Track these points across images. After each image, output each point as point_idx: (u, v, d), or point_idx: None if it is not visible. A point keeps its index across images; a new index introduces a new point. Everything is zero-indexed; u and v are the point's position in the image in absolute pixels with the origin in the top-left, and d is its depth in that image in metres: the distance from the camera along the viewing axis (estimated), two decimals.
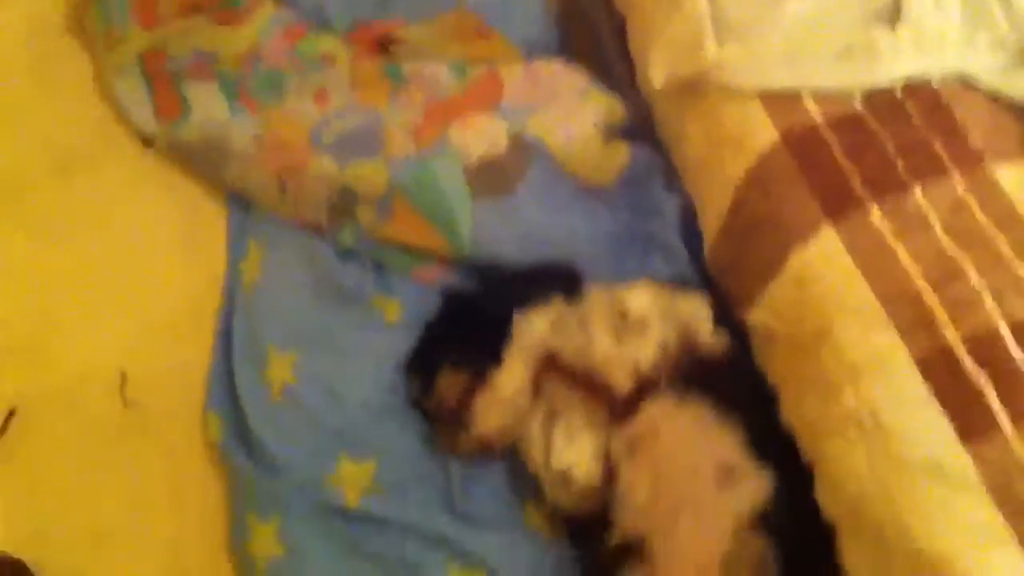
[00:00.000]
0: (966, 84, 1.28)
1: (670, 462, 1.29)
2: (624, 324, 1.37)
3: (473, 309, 1.49)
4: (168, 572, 1.50)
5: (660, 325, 1.36)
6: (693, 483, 1.27)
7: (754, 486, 1.27)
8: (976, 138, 1.23)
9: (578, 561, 1.41)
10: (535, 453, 1.36)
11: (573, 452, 1.32)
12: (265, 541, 1.43)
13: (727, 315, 1.38)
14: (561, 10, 1.78)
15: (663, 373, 1.33)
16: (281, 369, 1.52)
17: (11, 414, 1.58)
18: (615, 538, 1.29)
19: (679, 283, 1.45)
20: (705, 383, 1.33)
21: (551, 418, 1.36)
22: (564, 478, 1.32)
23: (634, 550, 1.27)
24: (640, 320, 1.36)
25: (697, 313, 1.38)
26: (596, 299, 1.43)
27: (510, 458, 1.45)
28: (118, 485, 1.56)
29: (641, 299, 1.39)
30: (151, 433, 1.58)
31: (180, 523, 1.53)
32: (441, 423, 1.45)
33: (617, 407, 1.34)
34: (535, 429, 1.36)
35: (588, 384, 1.37)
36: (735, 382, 1.35)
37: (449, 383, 1.43)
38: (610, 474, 1.31)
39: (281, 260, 1.63)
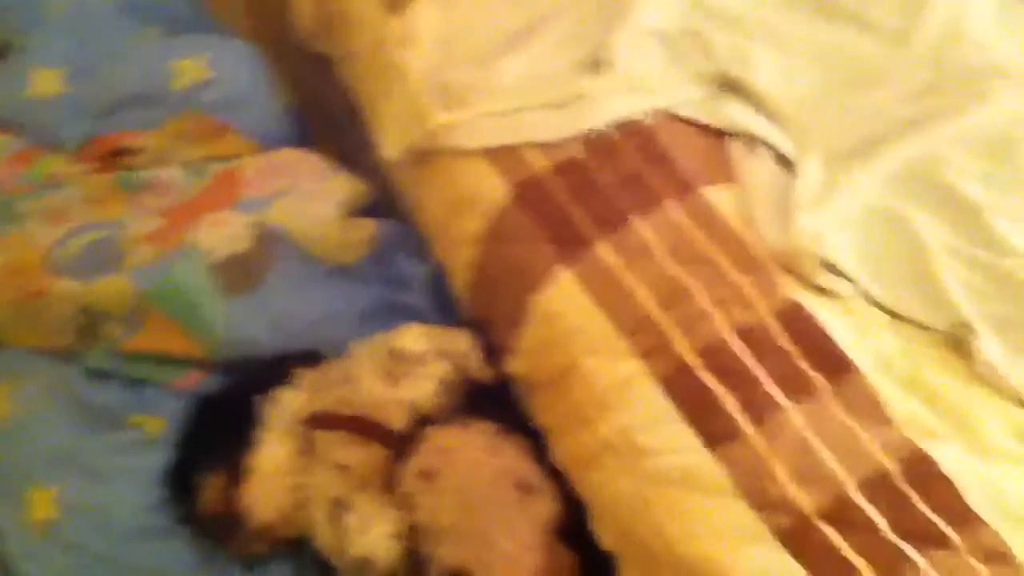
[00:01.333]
0: (673, 116, 1.35)
1: (470, 482, 1.28)
2: (399, 363, 1.37)
3: (219, 408, 1.45)
4: None
5: (436, 361, 1.37)
6: (498, 500, 1.27)
7: (551, 498, 1.29)
8: (685, 165, 1.31)
9: None
10: (327, 541, 1.31)
11: (370, 539, 1.28)
12: None
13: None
14: (298, 101, 1.79)
15: (444, 405, 1.34)
16: (42, 506, 1.43)
17: None
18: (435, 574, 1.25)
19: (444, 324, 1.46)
20: (484, 410, 1.35)
21: (339, 506, 1.31)
22: (365, 564, 1.28)
23: None
24: (417, 357, 1.38)
25: (467, 346, 1.41)
26: (360, 351, 1.44)
27: (293, 549, 1.41)
28: None
29: (415, 337, 1.41)
30: None
31: None
32: (217, 530, 1.38)
33: (396, 443, 1.32)
34: (321, 518, 1.32)
35: (360, 427, 1.35)
36: (512, 406, 1.36)
37: (210, 488, 1.38)
38: (412, 540, 1.28)
39: (32, 392, 1.55)
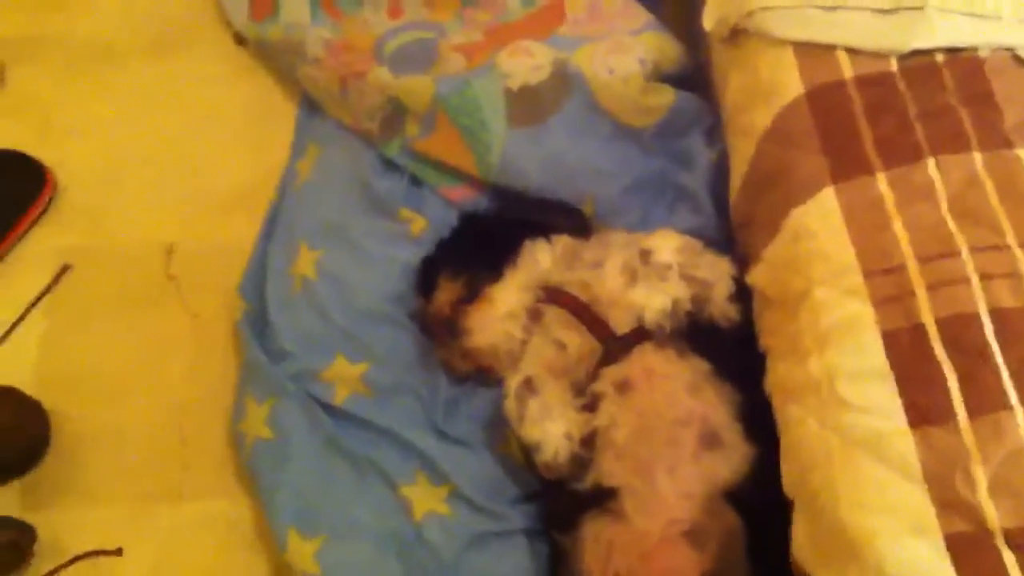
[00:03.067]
0: (1015, 59, 1.15)
1: (658, 410, 1.22)
2: (644, 267, 1.29)
3: (486, 230, 1.45)
4: (170, 434, 1.53)
5: (678, 280, 1.28)
6: (676, 441, 1.21)
7: (736, 459, 1.20)
8: (1011, 118, 1.11)
9: (544, 495, 1.36)
10: (510, 411, 1.30)
11: (543, 431, 1.25)
12: (256, 422, 1.45)
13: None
14: None
15: (665, 327, 1.26)
16: (306, 264, 1.53)
17: (63, 269, 1.63)
18: (589, 480, 1.23)
19: (708, 241, 1.36)
20: (707, 347, 1.26)
21: (527, 387, 1.29)
22: (535, 449, 1.27)
23: (604, 497, 1.22)
24: (661, 267, 1.29)
25: (718, 277, 1.30)
26: (617, 240, 1.38)
27: (495, 387, 1.41)
28: (146, 348, 1.62)
29: (668, 246, 1.31)
30: (185, 304, 1.62)
31: (193, 391, 1.57)
32: (435, 332, 1.41)
33: (612, 345, 1.28)
34: (512, 389, 1.30)
35: (588, 318, 1.31)
36: (737, 354, 1.26)
37: (445, 292, 1.40)
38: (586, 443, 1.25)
39: (330, 162, 1.64)
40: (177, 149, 1.76)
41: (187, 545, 1.48)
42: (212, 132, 1.77)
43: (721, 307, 1.28)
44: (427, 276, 1.44)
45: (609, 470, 1.21)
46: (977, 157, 1.09)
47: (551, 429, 1.24)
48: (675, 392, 1.23)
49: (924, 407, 0.97)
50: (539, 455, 1.25)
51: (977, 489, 0.92)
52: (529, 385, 1.28)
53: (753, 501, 1.18)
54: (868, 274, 1.05)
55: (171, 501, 1.50)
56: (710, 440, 1.21)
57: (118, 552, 1.43)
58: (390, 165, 1.59)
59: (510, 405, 1.28)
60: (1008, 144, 1.10)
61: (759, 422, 1.19)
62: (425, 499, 1.39)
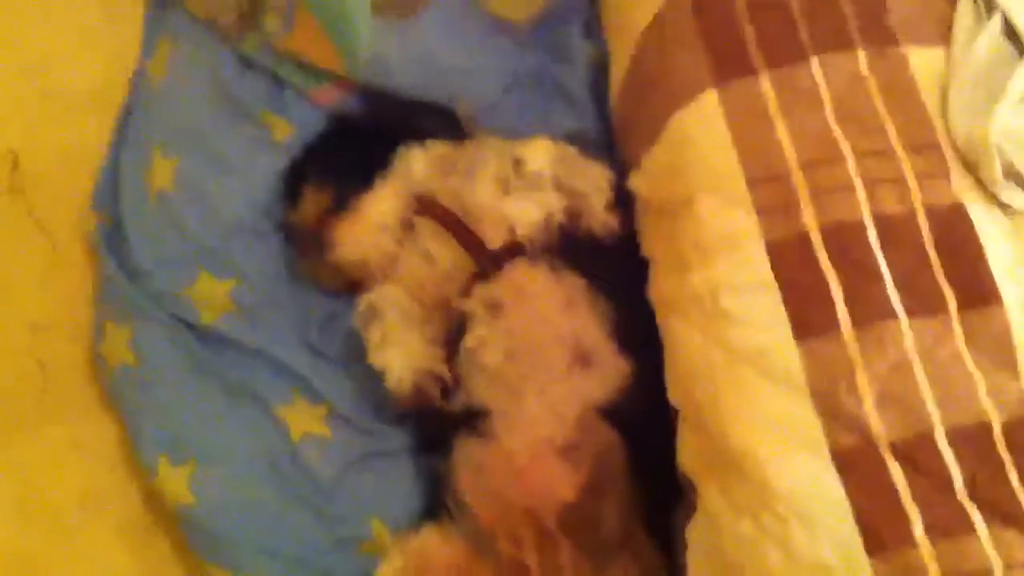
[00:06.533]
0: None
1: (528, 333, 1.16)
2: (516, 176, 1.21)
3: (357, 135, 1.34)
4: (25, 357, 1.40)
5: (552, 191, 1.21)
6: (547, 361, 1.15)
7: (609, 375, 1.15)
8: (896, 14, 1.04)
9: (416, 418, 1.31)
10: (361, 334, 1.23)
11: (384, 358, 1.19)
12: (117, 346, 1.34)
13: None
14: None
15: (538, 241, 1.18)
16: (161, 174, 1.39)
17: None
18: (458, 402, 1.18)
19: (584, 147, 1.28)
20: (582, 262, 1.19)
21: (371, 311, 1.22)
22: (379, 374, 1.21)
23: (474, 419, 1.17)
24: (534, 176, 1.20)
25: (595, 186, 1.22)
26: (490, 147, 1.28)
27: None
28: None
29: (541, 155, 1.23)
30: (34, 218, 1.47)
31: (48, 311, 1.45)
32: (301, 244, 1.30)
33: (484, 260, 1.20)
34: (358, 314, 1.23)
35: (458, 232, 1.23)
36: (613, 268, 1.20)
37: (312, 202, 1.29)
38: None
39: (185, 62, 1.48)
40: (18, 46, 1.56)
41: (52, 473, 1.39)
42: (55, 33, 1.58)
43: (599, 218, 1.21)
44: (293, 185, 1.33)
45: (479, 392, 1.16)
46: (861, 55, 1.03)
47: (392, 357, 1.18)
48: (546, 312, 1.17)
49: (809, 319, 0.93)
50: (384, 382, 1.19)
51: (863, 401, 0.89)
52: (372, 310, 1.21)
53: (631, 416, 1.14)
54: (751, 182, 0.99)
55: (31, 428, 1.39)
56: (582, 359, 1.15)
57: None
58: (251, 65, 1.45)
59: (359, 330, 1.22)
60: (893, 41, 1.04)
61: (640, 334, 1.13)
62: (302, 420, 1.32)
